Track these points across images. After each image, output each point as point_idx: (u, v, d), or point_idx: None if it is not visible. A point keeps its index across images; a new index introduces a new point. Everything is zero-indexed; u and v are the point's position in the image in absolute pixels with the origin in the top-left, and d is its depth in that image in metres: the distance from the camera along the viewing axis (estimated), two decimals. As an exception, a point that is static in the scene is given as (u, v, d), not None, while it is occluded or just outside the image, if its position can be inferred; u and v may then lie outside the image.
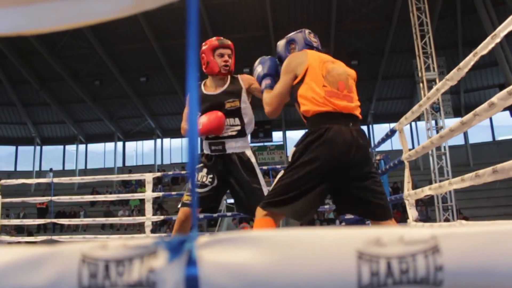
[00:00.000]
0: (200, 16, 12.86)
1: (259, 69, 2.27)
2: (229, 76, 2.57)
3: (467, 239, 0.51)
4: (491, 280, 0.50)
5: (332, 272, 0.49)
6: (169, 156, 19.12)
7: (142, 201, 10.97)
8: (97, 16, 0.72)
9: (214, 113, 2.43)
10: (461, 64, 2.56)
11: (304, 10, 13.27)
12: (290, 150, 1.95)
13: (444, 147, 9.25)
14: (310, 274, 0.48)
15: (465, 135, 16.20)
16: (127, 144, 19.38)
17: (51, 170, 17.64)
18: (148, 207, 5.26)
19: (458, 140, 16.03)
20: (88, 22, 0.75)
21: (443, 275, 0.50)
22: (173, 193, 8.00)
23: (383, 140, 4.66)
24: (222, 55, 2.53)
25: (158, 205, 14.46)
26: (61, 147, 19.58)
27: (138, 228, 12.53)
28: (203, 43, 2.60)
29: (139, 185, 15.58)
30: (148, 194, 5.30)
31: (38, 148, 19.11)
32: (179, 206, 2.50)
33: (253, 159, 2.52)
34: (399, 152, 3.84)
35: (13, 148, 19.23)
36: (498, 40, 2.24)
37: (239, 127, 2.49)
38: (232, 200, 3.92)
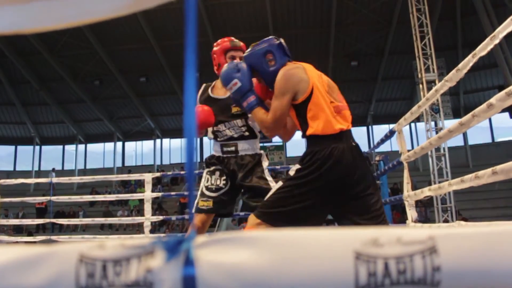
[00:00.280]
0: (200, 16, 12.87)
1: (238, 80, 1.97)
2: None
3: (464, 239, 0.51)
4: (489, 280, 0.50)
5: (330, 273, 0.49)
6: (168, 156, 19.13)
7: (141, 201, 10.95)
8: (95, 15, 0.72)
9: (200, 107, 2.35)
10: (460, 65, 2.56)
11: (304, 11, 13.28)
12: (293, 167, 1.87)
13: (444, 148, 9.26)
14: (307, 274, 0.48)
15: (465, 136, 16.22)
16: (127, 144, 19.39)
17: (53, 169, 17.66)
18: (147, 207, 5.26)
19: (458, 141, 16.05)
20: (86, 21, 0.75)
21: (441, 276, 0.50)
22: (173, 193, 8.00)
23: (382, 141, 4.66)
24: (233, 58, 2.45)
25: (158, 205, 14.46)
26: (61, 147, 19.59)
27: (137, 229, 12.51)
28: (215, 43, 2.53)
29: (139, 185, 15.58)
30: (147, 194, 5.30)
31: (37, 148, 19.10)
32: (194, 211, 2.38)
33: (265, 163, 2.46)
34: (398, 153, 3.84)
35: (12, 147, 19.22)
36: (497, 41, 2.24)
37: (248, 128, 2.42)
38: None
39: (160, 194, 6.32)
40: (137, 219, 6.57)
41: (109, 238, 7.66)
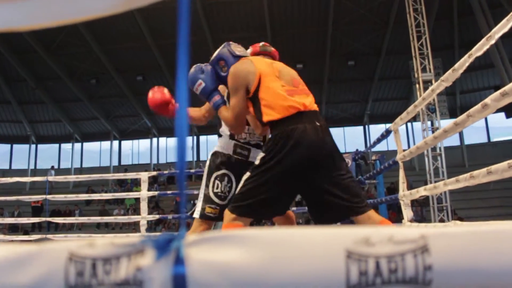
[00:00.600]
0: (197, 15, 12.85)
1: (202, 81, 2.09)
2: None
3: (456, 239, 0.51)
4: (480, 279, 0.50)
5: (321, 271, 0.48)
6: (165, 155, 19.11)
7: (137, 200, 10.93)
8: (90, 12, 0.71)
9: (156, 87, 2.29)
10: (456, 65, 2.57)
11: (302, 10, 13.27)
12: (258, 156, 1.86)
13: (440, 148, 9.28)
14: (298, 273, 0.48)
15: (461, 136, 16.28)
16: (123, 143, 19.34)
17: (52, 167, 17.60)
18: (144, 206, 5.25)
19: (454, 141, 16.10)
20: (81, 18, 0.75)
21: (432, 275, 0.50)
22: (169, 192, 7.98)
23: (378, 141, 4.67)
24: None
25: (155, 203, 14.44)
26: (57, 145, 19.52)
27: (134, 227, 12.49)
28: (250, 46, 2.47)
29: (135, 184, 15.54)
30: (144, 193, 5.29)
31: (33, 146, 19.03)
32: (197, 216, 2.29)
33: None
34: (395, 152, 3.85)
35: (8, 146, 19.14)
36: (493, 41, 2.25)
37: (264, 139, 2.36)
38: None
39: (156, 193, 6.32)
40: (133, 218, 6.55)
41: (105, 237, 7.64)
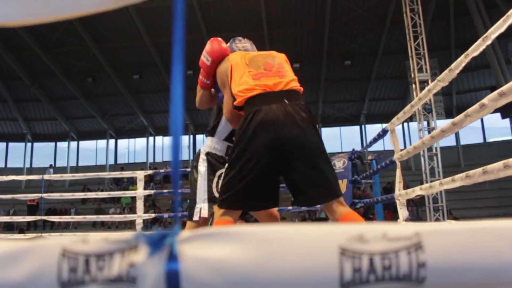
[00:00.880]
0: (194, 14, 12.83)
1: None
2: None
3: (450, 236, 0.51)
4: (474, 276, 0.50)
5: (314, 268, 0.48)
6: (161, 154, 19.07)
7: (133, 199, 10.92)
8: (83, 8, 0.71)
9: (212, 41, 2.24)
10: (453, 65, 2.57)
11: (298, 10, 13.27)
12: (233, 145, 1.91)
13: (436, 148, 9.31)
14: (292, 270, 0.48)
15: (457, 136, 16.34)
16: (119, 141, 19.29)
17: (51, 166, 17.54)
18: (140, 204, 5.24)
19: (450, 141, 16.15)
20: (74, 14, 0.74)
21: (426, 272, 0.50)
22: (165, 191, 7.97)
23: (375, 140, 4.68)
24: None
25: (151, 202, 14.42)
26: (53, 144, 19.44)
27: (130, 226, 12.47)
28: None
29: (131, 183, 15.51)
30: (140, 191, 5.29)
31: (29, 144, 18.95)
32: (204, 216, 2.26)
33: None
34: (391, 152, 3.86)
35: (3, 144, 19.04)
36: (489, 42, 2.26)
37: None
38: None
39: (152, 191, 6.31)
40: (129, 217, 6.54)
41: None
